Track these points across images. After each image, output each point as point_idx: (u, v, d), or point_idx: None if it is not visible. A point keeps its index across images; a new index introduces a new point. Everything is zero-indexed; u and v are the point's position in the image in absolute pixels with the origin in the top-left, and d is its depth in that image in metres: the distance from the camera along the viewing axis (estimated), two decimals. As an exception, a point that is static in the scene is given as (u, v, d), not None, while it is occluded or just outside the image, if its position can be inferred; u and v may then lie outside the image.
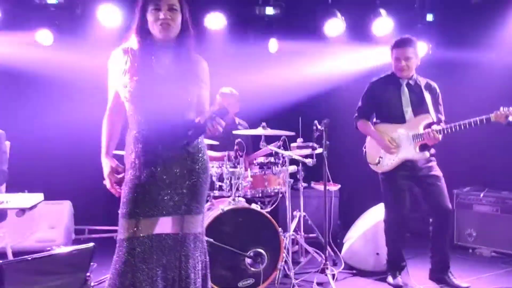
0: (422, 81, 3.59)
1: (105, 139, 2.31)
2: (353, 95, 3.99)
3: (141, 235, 2.08)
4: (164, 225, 2.13)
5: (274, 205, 3.89)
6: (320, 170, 4.11)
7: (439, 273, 3.57)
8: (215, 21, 4.94)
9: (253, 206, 3.57)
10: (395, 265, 3.67)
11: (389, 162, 3.57)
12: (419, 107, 3.50)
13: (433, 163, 3.56)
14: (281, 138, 3.91)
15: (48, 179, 4.56)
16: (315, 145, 3.92)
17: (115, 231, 3.18)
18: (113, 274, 2.09)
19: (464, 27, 4.97)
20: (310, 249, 3.95)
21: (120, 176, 2.21)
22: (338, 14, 5.09)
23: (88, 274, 3.06)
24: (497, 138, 4.32)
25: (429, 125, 3.45)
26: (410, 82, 3.57)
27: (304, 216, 4.14)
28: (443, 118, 3.57)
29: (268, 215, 3.44)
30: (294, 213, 4.09)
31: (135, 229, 2.08)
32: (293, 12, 5.22)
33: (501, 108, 3.16)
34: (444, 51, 5.03)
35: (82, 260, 3.02)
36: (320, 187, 4.68)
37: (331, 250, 4.10)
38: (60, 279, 2.90)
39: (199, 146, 2.24)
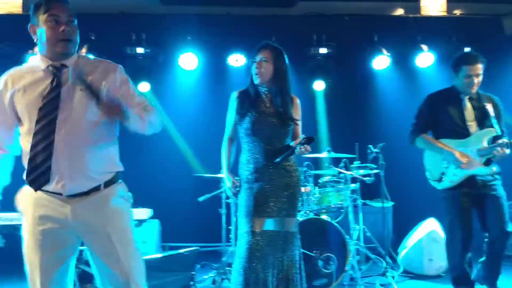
0: (483, 95, 3.50)
1: (226, 160, 3.04)
2: (398, 122, 4.51)
3: (256, 230, 2.79)
4: (271, 224, 2.83)
5: (339, 218, 4.50)
6: (374, 189, 4.73)
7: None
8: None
9: (323, 217, 4.21)
10: (459, 282, 3.49)
11: (454, 178, 3.40)
12: (483, 121, 3.40)
13: (497, 182, 3.40)
14: (343, 160, 4.56)
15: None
16: (369, 165, 4.54)
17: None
18: (239, 258, 2.79)
19: (498, 58, 5.48)
20: (372, 256, 4.53)
21: (237, 188, 2.95)
22: (384, 51, 5.80)
23: (193, 273, 3.77)
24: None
25: (494, 139, 3.34)
26: (473, 96, 3.46)
27: (363, 228, 4.73)
28: (506, 131, 3.44)
29: (337, 225, 4.07)
30: (354, 226, 4.68)
31: (252, 225, 2.79)
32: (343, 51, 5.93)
33: None
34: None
35: (189, 261, 3.74)
36: (375, 204, 5.27)
37: (389, 257, 4.67)
38: (172, 276, 3.62)
39: (294, 165, 2.95)
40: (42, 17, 2.00)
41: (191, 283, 3.70)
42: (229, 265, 4.28)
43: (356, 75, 5.92)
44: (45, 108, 1.98)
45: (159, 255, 3.67)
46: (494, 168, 3.36)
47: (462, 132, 3.42)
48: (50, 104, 1.98)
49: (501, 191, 3.37)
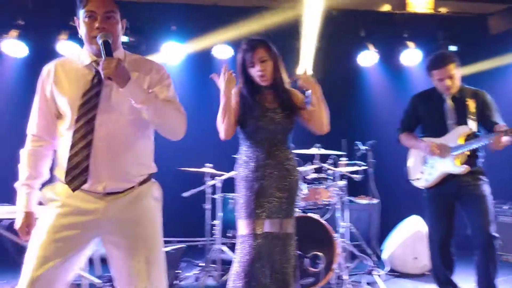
0: (468, 91, 3.41)
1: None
2: (385, 120, 4.51)
3: (256, 232, 2.67)
4: (271, 225, 2.71)
5: (327, 215, 4.44)
6: (359, 186, 4.69)
7: None
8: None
9: (311, 214, 4.14)
10: (440, 281, 3.48)
11: (429, 177, 3.42)
12: (463, 119, 3.34)
13: (481, 182, 3.31)
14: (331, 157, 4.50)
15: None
16: (358, 163, 4.50)
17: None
18: (239, 262, 2.67)
19: (484, 57, 5.53)
20: (358, 254, 4.49)
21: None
22: (371, 47, 5.75)
23: (178, 271, 3.66)
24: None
25: (469, 136, 3.32)
26: (455, 94, 3.39)
27: (350, 225, 4.68)
28: (501, 123, 3.26)
29: (325, 222, 4.00)
30: (342, 224, 4.63)
31: (253, 227, 2.67)
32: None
33: None
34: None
35: (174, 259, 3.62)
36: (360, 201, 5.23)
37: (374, 255, 4.64)
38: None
39: (294, 163, 2.85)
40: (81, 12, 1.97)
41: (175, 282, 3.58)
42: (213, 262, 4.19)
43: (343, 71, 5.84)
44: (85, 107, 1.93)
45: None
46: (468, 168, 3.29)
47: (441, 131, 3.40)
48: (89, 103, 1.94)
49: (483, 191, 3.29)
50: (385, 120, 5.20)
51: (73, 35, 4.97)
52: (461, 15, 6.08)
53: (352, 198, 5.35)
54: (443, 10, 6.16)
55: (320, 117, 2.81)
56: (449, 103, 3.40)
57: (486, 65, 5.47)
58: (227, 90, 2.71)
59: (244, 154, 2.83)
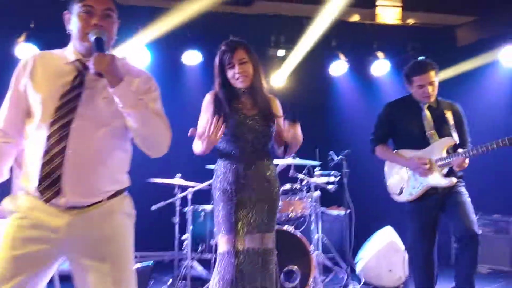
0: (444, 102, 3.40)
1: None
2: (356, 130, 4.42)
3: (237, 249, 2.50)
4: (252, 241, 2.55)
5: (302, 228, 4.31)
6: (331, 196, 4.59)
7: None
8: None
9: (286, 227, 3.99)
10: None
11: (413, 191, 3.31)
12: (442, 130, 3.29)
13: (460, 187, 3.30)
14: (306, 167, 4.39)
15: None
16: (333, 173, 4.40)
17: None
18: (219, 281, 2.49)
19: (451, 68, 5.60)
20: (334, 266, 4.38)
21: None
22: (342, 56, 5.72)
23: (147, 289, 3.43)
24: (487, 166, 4.87)
25: (453, 148, 3.28)
26: (432, 104, 3.35)
27: (323, 237, 4.57)
28: (469, 139, 3.38)
29: (300, 236, 3.87)
30: (317, 236, 4.52)
31: (233, 243, 2.50)
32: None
33: None
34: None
35: (143, 277, 3.39)
36: (332, 211, 5.14)
37: (349, 268, 4.53)
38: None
39: (274, 174, 2.70)
40: (76, 6, 1.81)
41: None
42: (184, 278, 3.98)
43: (314, 79, 5.78)
44: (62, 109, 1.74)
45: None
46: (454, 179, 3.23)
47: (421, 142, 3.31)
48: (67, 105, 1.75)
49: (464, 195, 3.27)
50: (356, 130, 5.13)
51: (32, 37, 4.68)
52: (429, 26, 6.16)
53: (323, 209, 5.26)
54: (411, 21, 6.23)
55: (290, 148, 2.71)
56: (426, 112, 3.33)
57: (450, 72, 5.53)
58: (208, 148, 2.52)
59: (223, 165, 2.66)
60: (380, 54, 5.80)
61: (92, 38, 1.73)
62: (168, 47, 5.35)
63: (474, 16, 5.88)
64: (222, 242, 2.57)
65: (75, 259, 1.79)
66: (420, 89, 3.28)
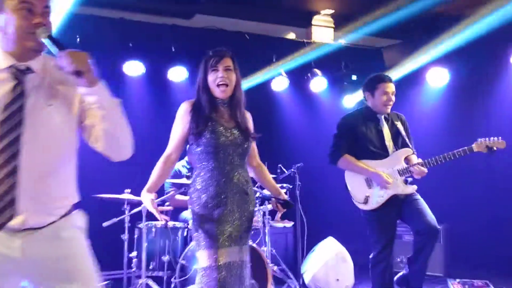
0: (393, 114, 3.60)
1: (156, 179, 2.62)
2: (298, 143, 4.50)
3: (219, 263, 2.45)
4: (232, 254, 2.52)
5: (256, 241, 4.32)
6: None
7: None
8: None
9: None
10: None
11: (378, 199, 3.44)
12: (397, 140, 3.50)
13: (416, 195, 3.51)
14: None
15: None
16: (285, 185, 4.48)
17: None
18: None
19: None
20: (286, 279, 4.43)
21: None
22: (282, 72, 5.90)
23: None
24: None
25: (410, 158, 3.48)
26: (386, 116, 3.55)
27: (271, 250, 4.62)
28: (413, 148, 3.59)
29: (258, 248, 3.88)
30: (267, 248, 4.55)
31: (215, 257, 2.44)
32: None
33: (479, 139, 3.35)
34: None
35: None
36: (277, 224, 5.20)
37: (295, 279, 4.62)
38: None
39: (251, 186, 2.70)
40: (11, 3, 1.58)
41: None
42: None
43: (257, 95, 5.85)
44: (6, 124, 1.55)
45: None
46: (415, 186, 3.47)
47: (381, 153, 3.47)
48: (12, 119, 1.56)
49: (418, 196, 3.48)
50: (301, 143, 5.30)
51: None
52: (359, 47, 6.54)
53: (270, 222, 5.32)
54: (342, 41, 6.57)
55: None
56: (384, 123, 3.52)
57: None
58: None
59: (202, 179, 2.59)
60: (318, 71, 6.05)
61: (44, 37, 1.57)
62: (108, 58, 5.14)
63: (398, 40, 6.35)
64: (203, 257, 2.51)
65: (37, 282, 1.66)
66: (383, 96, 3.45)
